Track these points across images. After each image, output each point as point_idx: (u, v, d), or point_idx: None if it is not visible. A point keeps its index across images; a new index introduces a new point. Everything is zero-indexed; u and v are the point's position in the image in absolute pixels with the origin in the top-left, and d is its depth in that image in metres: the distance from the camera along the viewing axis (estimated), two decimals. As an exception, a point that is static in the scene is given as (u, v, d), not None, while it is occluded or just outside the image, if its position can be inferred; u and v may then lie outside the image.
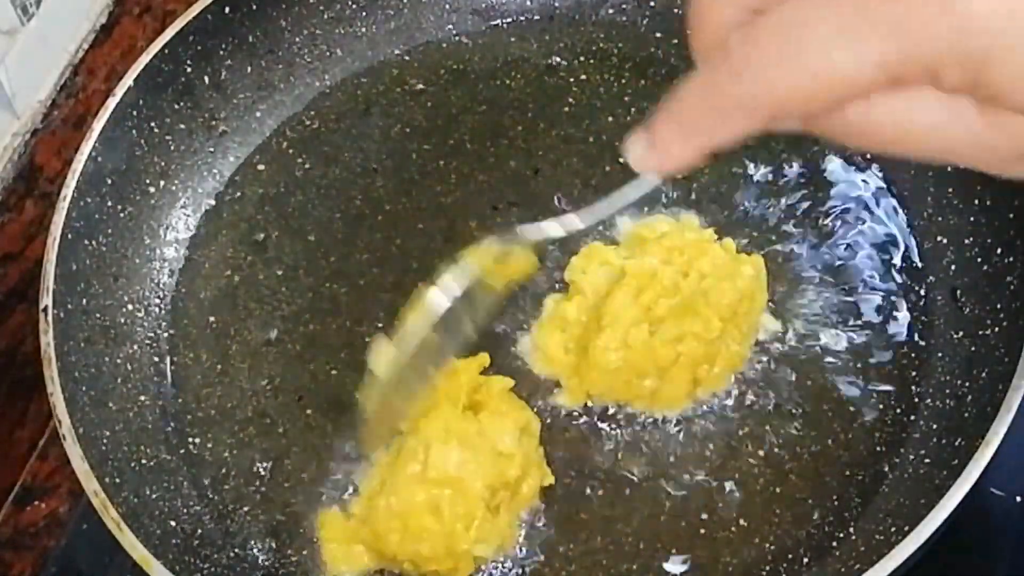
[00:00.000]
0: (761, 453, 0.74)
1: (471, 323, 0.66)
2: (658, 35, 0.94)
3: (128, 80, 0.83)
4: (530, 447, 0.73)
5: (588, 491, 0.73)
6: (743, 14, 0.42)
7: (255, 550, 0.73)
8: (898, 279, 0.80)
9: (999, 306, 0.74)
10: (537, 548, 0.72)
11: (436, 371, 0.69)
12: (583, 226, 0.55)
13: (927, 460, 0.71)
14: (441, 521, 0.68)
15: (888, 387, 0.76)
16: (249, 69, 0.91)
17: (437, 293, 0.62)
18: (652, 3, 0.94)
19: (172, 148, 0.87)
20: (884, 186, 0.84)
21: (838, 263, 0.81)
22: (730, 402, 0.76)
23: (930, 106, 0.40)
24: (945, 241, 0.80)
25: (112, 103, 0.82)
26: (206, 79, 0.89)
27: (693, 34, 0.45)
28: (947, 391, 0.74)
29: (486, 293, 0.64)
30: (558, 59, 0.93)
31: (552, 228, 0.56)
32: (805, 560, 0.70)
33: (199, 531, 0.74)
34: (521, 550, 0.72)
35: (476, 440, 0.70)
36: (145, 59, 0.84)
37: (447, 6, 0.96)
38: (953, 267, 0.79)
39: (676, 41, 0.93)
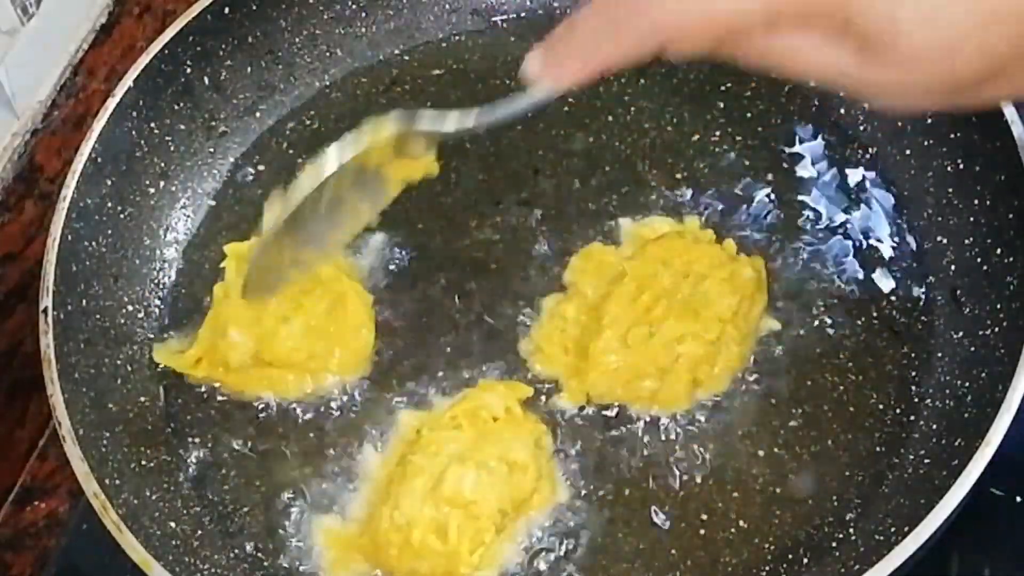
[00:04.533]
0: (761, 453, 0.74)
1: (363, 210, 0.70)
2: (658, 35, 0.93)
3: (128, 80, 0.83)
4: (542, 459, 0.73)
5: (587, 491, 0.73)
6: None
7: (255, 550, 0.73)
8: (898, 279, 0.80)
9: (999, 306, 0.74)
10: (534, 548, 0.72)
11: (320, 252, 0.72)
12: (472, 125, 0.61)
13: (927, 460, 0.71)
14: (446, 542, 0.68)
15: (888, 387, 0.76)
16: (249, 69, 0.91)
17: (332, 151, 0.64)
18: (652, 3, 0.94)
19: (172, 148, 0.87)
20: (884, 186, 0.84)
21: (838, 263, 0.81)
22: (730, 402, 0.76)
23: (817, 44, 0.48)
24: (945, 241, 0.80)
25: (112, 103, 0.82)
26: (206, 79, 0.88)
27: None
28: (947, 391, 0.74)
29: (380, 183, 0.68)
30: (558, 59, 0.93)
31: (447, 122, 0.62)
32: (805, 560, 0.70)
33: (199, 531, 0.74)
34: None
35: (493, 462, 0.70)
36: (145, 59, 0.84)
37: (447, 6, 0.96)
38: (953, 267, 0.79)
39: (676, 41, 0.93)
